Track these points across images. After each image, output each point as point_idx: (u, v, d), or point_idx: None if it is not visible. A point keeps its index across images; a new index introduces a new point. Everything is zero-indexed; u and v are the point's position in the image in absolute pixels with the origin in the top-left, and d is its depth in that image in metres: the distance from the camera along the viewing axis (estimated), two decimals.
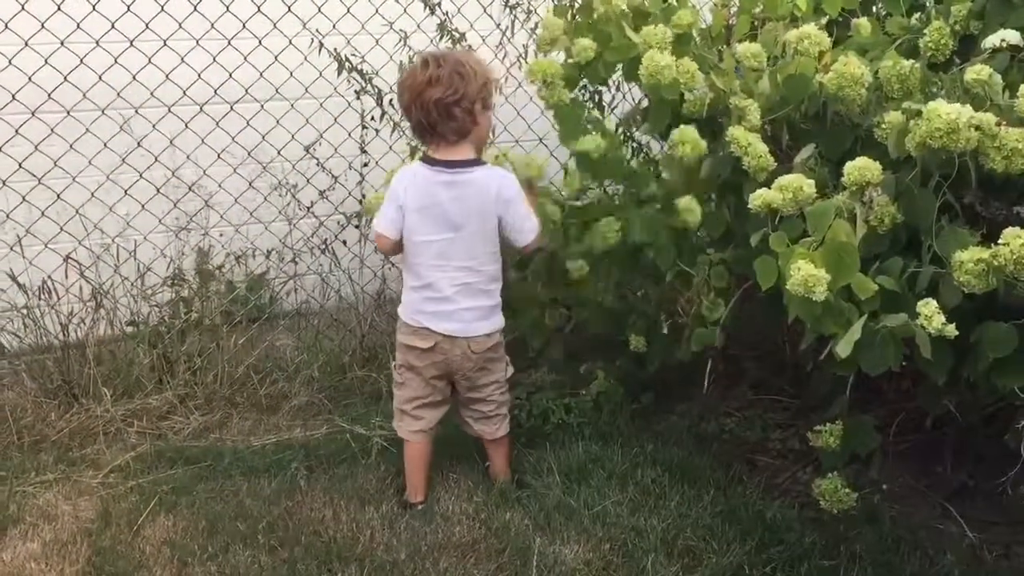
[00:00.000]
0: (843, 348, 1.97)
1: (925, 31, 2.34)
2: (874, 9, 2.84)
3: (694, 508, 2.57)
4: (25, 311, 3.22)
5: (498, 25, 3.66)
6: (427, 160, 2.55)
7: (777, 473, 2.81)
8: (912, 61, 2.14)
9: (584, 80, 2.82)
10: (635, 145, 3.44)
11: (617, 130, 3.05)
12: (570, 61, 2.68)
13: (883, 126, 2.08)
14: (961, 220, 2.09)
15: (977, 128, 1.87)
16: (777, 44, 2.52)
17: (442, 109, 2.46)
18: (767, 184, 2.07)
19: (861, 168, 1.98)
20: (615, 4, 2.58)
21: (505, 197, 2.52)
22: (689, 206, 2.57)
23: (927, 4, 2.59)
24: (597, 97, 3.54)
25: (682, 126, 2.48)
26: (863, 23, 2.56)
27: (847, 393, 2.45)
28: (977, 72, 2.00)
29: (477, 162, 2.55)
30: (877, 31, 2.57)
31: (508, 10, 3.60)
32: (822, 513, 2.47)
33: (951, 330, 1.85)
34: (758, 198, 2.05)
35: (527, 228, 2.56)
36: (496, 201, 2.51)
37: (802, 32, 2.28)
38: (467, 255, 2.54)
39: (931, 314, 1.84)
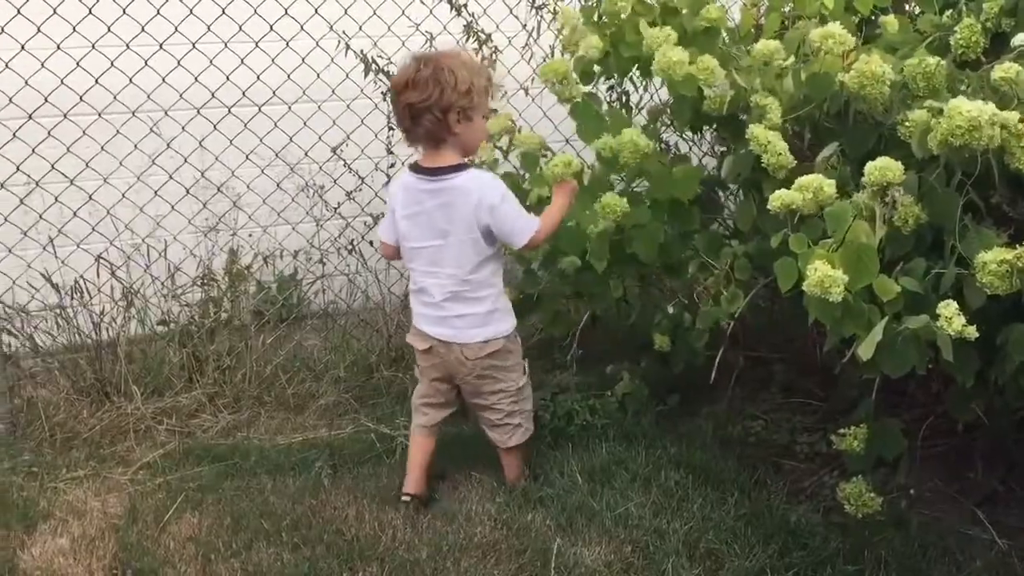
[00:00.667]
0: (865, 350, 1.94)
1: (956, 28, 2.29)
2: (907, 7, 2.80)
3: (717, 511, 2.55)
4: (58, 310, 3.28)
5: (524, 26, 3.67)
6: (413, 168, 2.54)
7: (803, 477, 2.78)
8: (938, 59, 2.10)
9: (601, 77, 2.82)
10: (663, 144, 3.42)
11: (645, 128, 3.04)
12: (583, 56, 2.68)
13: (906, 124, 2.05)
14: (988, 220, 2.06)
15: (1002, 126, 1.83)
16: (805, 43, 2.49)
17: (414, 113, 2.43)
18: (787, 182, 2.04)
19: (882, 168, 1.95)
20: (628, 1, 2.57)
21: (488, 204, 2.45)
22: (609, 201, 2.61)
23: (959, 1, 2.55)
24: (625, 97, 3.53)
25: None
26: (890, 20, 2.53)
27: (873, 396, 2.42)
28: (1004, 70, 1.96)
29: (461, 167, 2.48)
30: (907, 28, 2.53)
31: (534, 11, 3.61)
32: (848, 518, 2.44)
33: (971, 332, 1.81)
34: (778, 199, 2.02)
35: (519, 229, 2.49)
36: (478, 208, 2.45)
37: (826, 31, 2.25)
38: (455, 263, 2.50)
39: (951, 316, 1.81)
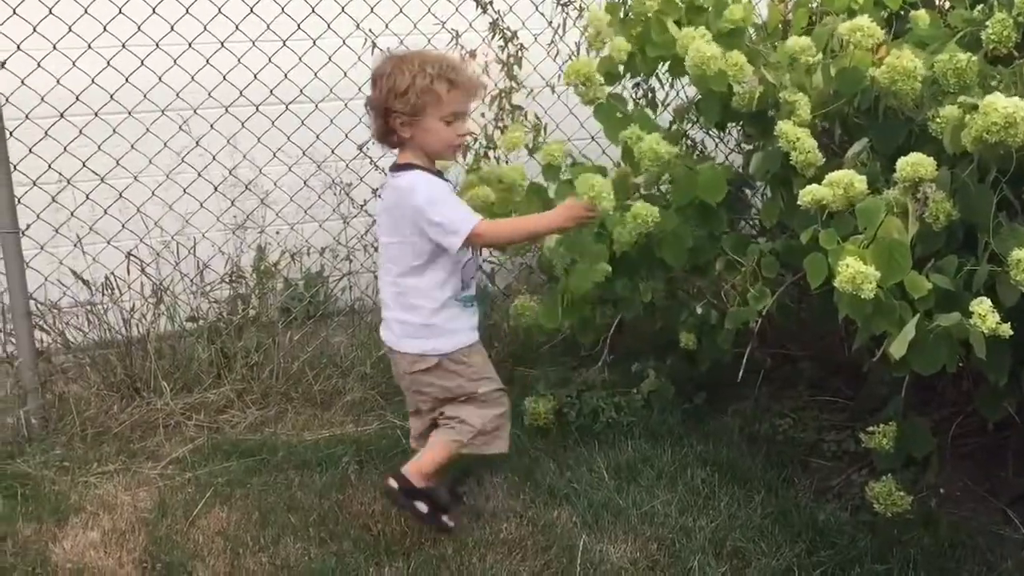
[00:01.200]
0: (897, 348, 1.93)
1: (987, 23, 2.27)
2: (937, 2, 2.78)
3: (744, 509, 2.55)
4: (89, 307, 3.31)
5: (550, 23, 3.67)
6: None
7: (831, 475, 2.76)
8: (969, 54, 2.08)
9: (627, 76, 2.81)
10: (689, 143, 3.41)
11: (671, 127, 3.04)
12: (608, 57, 2.68)
13: (938, 120, 2.03)
14: (1021, 217, 2.03)
15: None
16: (833, 38, 2.48)
17: (370, 108, 2.39)
18: (815, 179, 2.03)
19: (914, 164, 1.93)
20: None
21: (413, 205, 2.31)
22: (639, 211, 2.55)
23: None
24: (650, 94, 3.52)
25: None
26: (921, 15, 2.50)
27: (902, 394, 2.40)
28: None
29: (406, 167, 2.37)
30: (937, 23, 2.51)
31: (560, 8, 3.61)
32: (876, 517, 2.43)
33: (1005, 330, 1.80)
34: (808, 194, 2.01)
35: (450, 230, 2.30)
36: (413, 210, 2.31)
37: (854, 24, 2.23)
38: (394, 261, 2.41)
39: (985, 313, 1.79)
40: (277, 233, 3.73)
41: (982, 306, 1.81)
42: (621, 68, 2.75)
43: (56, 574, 2.38)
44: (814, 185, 2.01)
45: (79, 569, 2.40)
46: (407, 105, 2.29)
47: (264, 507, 2.65)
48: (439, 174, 2.44)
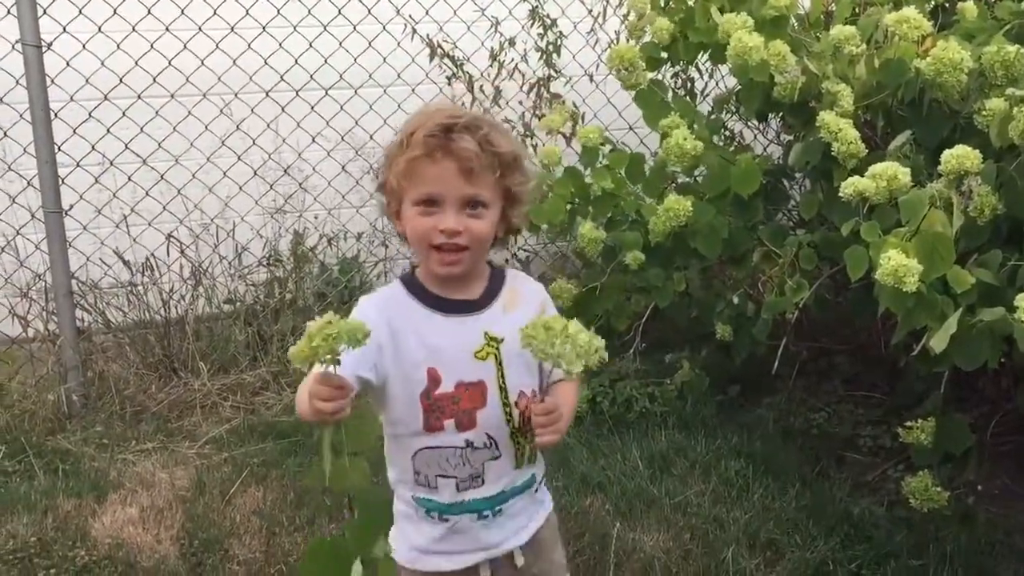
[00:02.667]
0: (938, 342, 1.90)
1: None
2: None
3: (778, 501, 2.54)
4: (129, 287, 3.36)
5: (590, 11, 3.66)
6: None
7: (866, 470, 2.74)
8: (1017, 47, 2.05)
9: (668, 62, 2.80)
10: (728, 133, 3.39)
11: (710, 116, 3.02)
12: (653, 41, 2.66)
13: (984, 113, 2.00)
14: None
15: None
16: (878, 29, 2.45)
17: None
18: (856, 171, 2.01)
19: (959, 156, 1.91)
20: None
21: None
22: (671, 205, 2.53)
23: None
24: (689, 84, 3.50)
25: None
26: (968, 7, 2.47)
27: (941, 389, 2.37)
28: None
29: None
30: (985, 16, 2.47)
31: None
32: (913, 512, 2.40)
33: None
34: (850, 186, 1.99)
35: None
36: None
37: (901, 15, 2.21)
38: None
39: None
40: (315, 218, 3.76)
41: None
42: (664, 54, 2.74)
43: (95, 549, 2.42)
44: (856, 177, 1.99)
45: (118, 544, 2.44)
46: (383, 177, 1.52)
47: (299, 488, 2.67)
48: (418, 290, 1.51)
